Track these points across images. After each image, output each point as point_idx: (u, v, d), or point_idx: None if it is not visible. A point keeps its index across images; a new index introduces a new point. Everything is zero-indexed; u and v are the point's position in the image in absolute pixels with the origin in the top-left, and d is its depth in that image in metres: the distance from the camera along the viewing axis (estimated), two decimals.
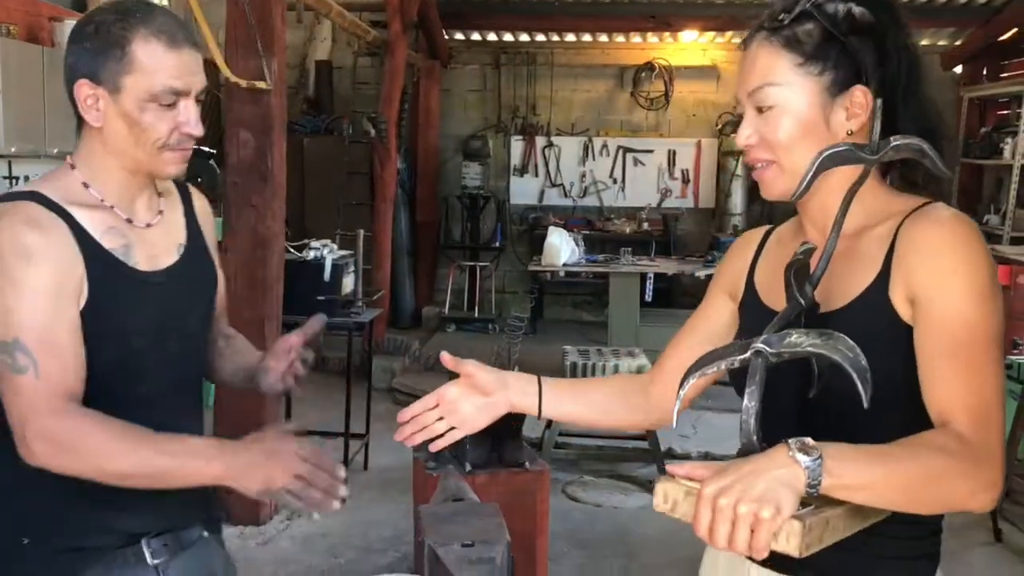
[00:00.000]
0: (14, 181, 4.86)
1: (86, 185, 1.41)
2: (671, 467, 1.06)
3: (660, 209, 8.65)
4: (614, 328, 6.10)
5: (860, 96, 1.19)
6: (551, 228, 6.32)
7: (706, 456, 5.07)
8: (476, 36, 8.71)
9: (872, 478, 0.99)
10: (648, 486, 4.75)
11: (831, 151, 1.12)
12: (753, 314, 1.32)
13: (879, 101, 1.17)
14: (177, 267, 1.51)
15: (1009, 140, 7.08)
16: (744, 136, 1.23)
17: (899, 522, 1.10)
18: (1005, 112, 7.83)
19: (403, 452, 4.95)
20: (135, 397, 1.35)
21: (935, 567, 1.25)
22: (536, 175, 8.83)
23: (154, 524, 1.47)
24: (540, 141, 8.79)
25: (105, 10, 1.39)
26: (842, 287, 1.19)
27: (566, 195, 8.82)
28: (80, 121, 1.42)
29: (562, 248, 6.03)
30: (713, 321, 1.42)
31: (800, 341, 1.06)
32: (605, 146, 8.73)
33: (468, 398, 1.43)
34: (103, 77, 1.36)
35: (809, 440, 0.98)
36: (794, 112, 1.19)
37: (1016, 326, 5.78)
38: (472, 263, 8.62)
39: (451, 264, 8.67)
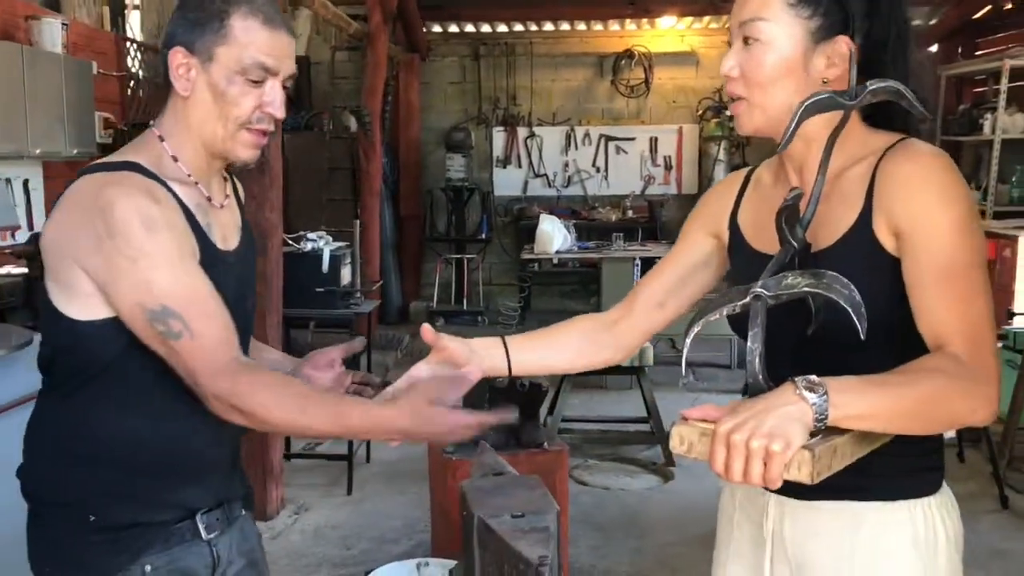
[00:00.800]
0: None
1: (175, 159, 1.41)
2: (685, 412, 1.11)
3: (644, 196, 8.68)
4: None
5: (843, 46, 1.23)
6: (542, 216, 6.31)
7: None
8: (454, 28, 8.68)
9: (876, 408, 1.05)
10: (652, 468, 4.77)
11: (813, 99, 1.15)
12: (743, 258, 1.37)
13: (854, 46, 1.20)
14: (241, 248, 1.53)
15: (988, 116, 7.16)
16: (727, 66, 1.27)
17: (903, 442, 1.16)
18: (982, 89, 7.92)
19: (404, 445, 5.00)
20: None
21: (941, 477, 1.32)
22: (519, 166, 8.82)
23: (208, 498, 1.48)
24: (522, 132, 8.79)
25: None
26: (828, 226, 1.23)
27: (550, 185, 8.82)
28: (168, 91, 1.42)
29: (555, 235, 6.02)
30: (688, 256, 1.46)
31: (796, 282, 1.12)
32: (587, 135, 8.75)
33: (439, 373, 1.45)
34: (198, 47, 1.37)
35: (814, 377, 1.03)
36: (778, 50, 1.23)
37: (1005, 296, 5.86)
38: (458, 256, 8.59)
39: (437, 257, 8.64)
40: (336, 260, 4.44)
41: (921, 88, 1.23)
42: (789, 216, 1.20)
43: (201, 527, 1.46)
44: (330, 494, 4.40)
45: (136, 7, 8.40)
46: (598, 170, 8.78)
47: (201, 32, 1.37)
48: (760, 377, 1.13)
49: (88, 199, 1.31)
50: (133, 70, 7.20)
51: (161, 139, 1.42)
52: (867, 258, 1.20)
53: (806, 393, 1.02)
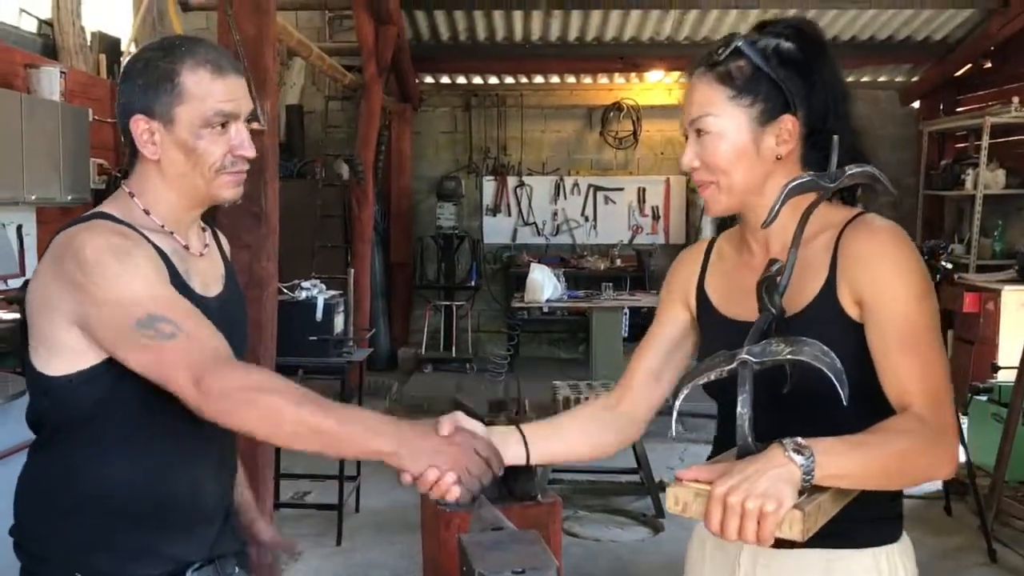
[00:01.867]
0: None
1: (147, 212, 1.46)
2: (680, 473, 1.18)
3: (632, 245, 8.76)
4: (598, 362, 6.13)
5: (789, 124, 1.33)
6: (532, 265, 6.36)
7: None
8: (446, 79, 8.80)
9: (854, 467, 1.15)
10: (643, 519, 4.76)
11: (796, 183, 1.24)
12: (713, 324, 1.45)
13: (836, 137, 1.27)
14: (224, 295, 1.56)
15: (970, 171, 7.31)
16: (687, 159, 1.37)
17: (871, 492, 1.24)
18: (963, 144, 8.09)
19: (393, 494, 5.01)
20: (186, 418, 1.33)
21: (901, 524, 1.41)
22: (509, 214, 8.89)
23: (199, 552, 1.47)
24: (512, 181, 8.87)
25: (151, 48, 1.47)
26: (795, 294, 1.31)
27: (539, 233, 8.89)
28: (134, 154, 1.46)
29: (545, 284, 6.07)
30: (670, 329, 1.53)
31: (779, 349, 1.20)
32: (576, 185, 8.84)
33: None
34: (157, 110, 1.41)
35: (801, 440, 1.11)
36: (729, 139, 1.33)
37: (989, 350, 5.94)
38: (448, 303, 8.61)
39: (426, 304, 8.66)
40: (330, 308, 4.46)
41: (866, 142, 1.37)
42: (769, 285, 1.28)
43: None
44: (320, 544, 4.37)
45: (131, 54, 8.47)
46: (587, 219, 8.86)
47: (155, 95, 1.40)
48: (750, 439, 1.19)
49: (60, 250, 1.35)
50: None
51: (131, 195, 1.46)
52: (832, 323, 1.30)
53: (794, 455, 1.10)
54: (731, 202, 1.37)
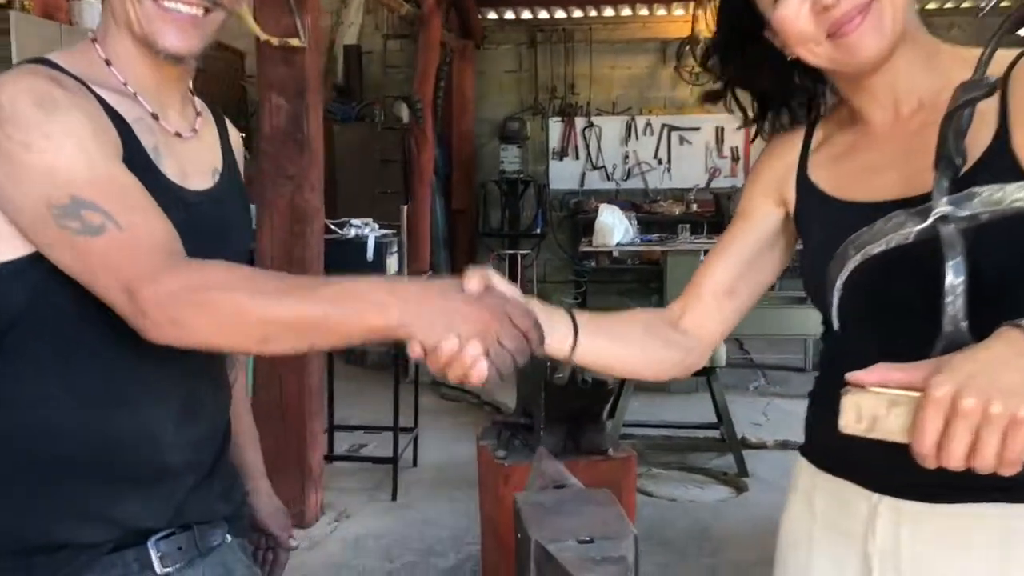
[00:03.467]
0: None
1: (108, 63, 1.13)
2: (856, 375, 0.84)
3: (709, 189, 8.26)
4: None
5: None
6: (602, 207, 5.93)
7: (784, 445, 4.70)
8: (510, 15, 8.36)
9: None
10: (723, 478, 4.36)
11: (1018, 13, 0.97)
12: (832, 216, 1.14)
13: None
14: (213, 193, 1.22)
15: None
16: None
17: None
18: None
19: (454, 447, 4.69)
20: (136, 341, 0.98)
21: None
22: (576, 158, 8.48)
23: (168, 517, 1.14)
24: (580, 122, 8.45)
25: None
26: None
27: (608, 178, 8.45)
28: None
29: (615, 227, 5.64)
30: (755, 232, 1.23)
31: (1000, 198, 0.87)
32: (649, 125, 8.38)
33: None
34: None
35: None
36: None
37: None
38: (512, 251, 8.26)
39: (490, 253, 8.32)
40: (381, 247, 4.12)
41: None
42: (956, 124, 0.93)
43: (154, 556, 1.11)
44: (374, 499, 4.10)
45: None
46: (660, 162, 8.39)
47: None
48: (963, 325, 0.87)
49: None
50: None
51: (94, 41, 1.14)
52: (1010, 182, 0.97)
53: None
54: (896, 26, 1.03)
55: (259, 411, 3.71)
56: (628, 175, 8.43)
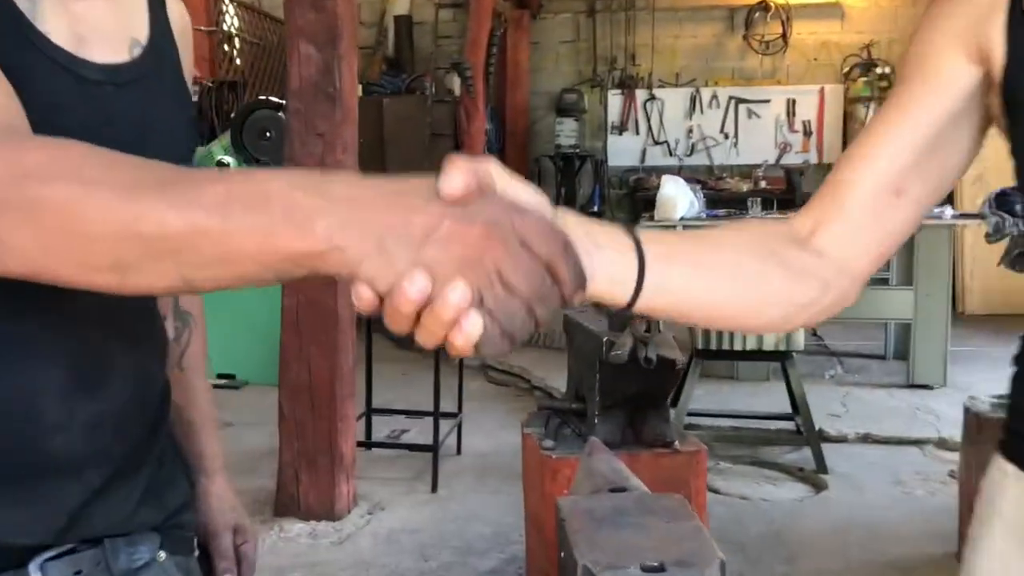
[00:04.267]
0: None
1: None
2: None
3: (779, 165, 7.82)
4: None
5: None
6: (665, 178, 5.52)
7: (866, 439, 4.25)
8: None
9: None
10: (800, 474, 3.93)
11: None
12: None
13: None
14: (129, 72, 0.88)
15: None
16: None
17: None
18: None
19: (500, 435, 4.30)
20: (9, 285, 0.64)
21: None
22: (637, 132, 8.16)
23: (57, 529, 0.81)
24: (641, 95, 8.12)
25: None
26: None
27: (671, 154, 8.09)
28: None
29: (679, 200, 5.21)
30: (939, 99, 0.82)
31: None
32: (715, 97, 8.01)
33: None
34: None
35: None
36: None
37: None
38: None
39: None
40: None
41: None
42: None
43: None
44: (412, 490, 3.77)
45: None
46: (726, 136, 8.00)
47: None
48: None
49: None
50: (226, 28, 6.87)
51: None
52: None
53: None
54: None
55: (286, 393, 3.46)
56: (692, 150, 8.04)
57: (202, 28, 6.26)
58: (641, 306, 0.71)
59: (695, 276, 0.75)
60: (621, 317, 2.23)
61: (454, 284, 0.54)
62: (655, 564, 0.98)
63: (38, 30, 0.78)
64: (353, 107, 3.40)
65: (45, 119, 0.75)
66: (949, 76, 0.82)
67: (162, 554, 0.89)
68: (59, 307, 0.76)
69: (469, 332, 0.55)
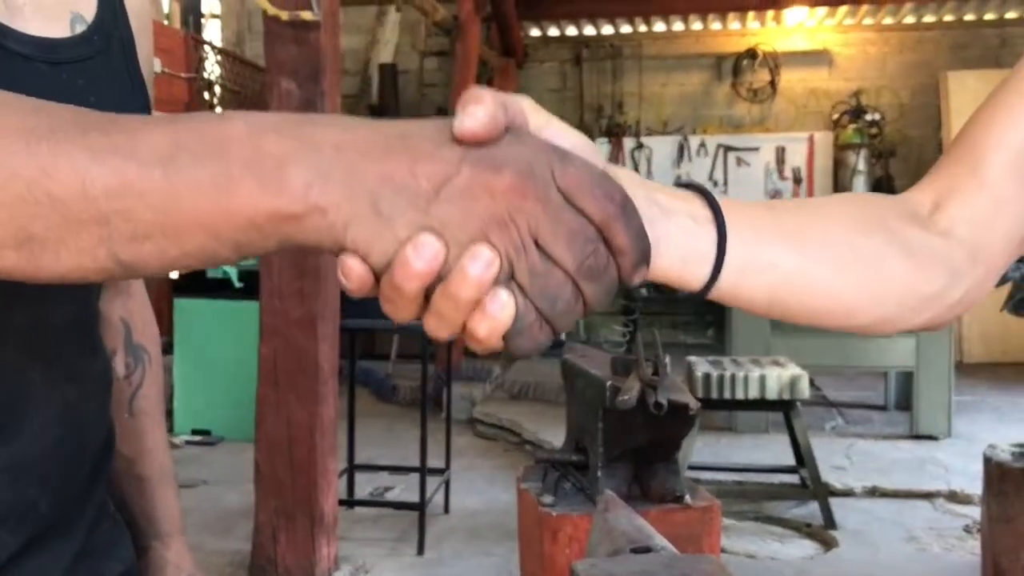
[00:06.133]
0: None
1: None
2: None
3: None
4: (738, 339, 5.09)
5: None
6: None
7: (873, 492, 4.06)
8: (554, 31, 8.00)
9: None
10: (807, 530, 3.73)
11: None
12: None
13: None
14: (68, 49, 0.72)
15: None
16: None
17: None
18: None
19: (491, 492, 4.07)
20: None
21: None
22: None
23: None
24: (628, 143, 8.06)
25: None
26: None
27: None
28: None
29: None
30: None
31: None
32: (703, 145, 7.93)
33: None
34: None
35: None
36: None
37: None
38: None
39: None
40: None
41: None
42: None
43: None
44: (397, 552, 3.54)
45: (215, 16, 8.02)
46: (716, 184, 7.91)
47: None
48: None
49: None
50: (207, 75, 6.77)
51: None
52: None
53: None
54: None
55: (263, 448, 3.25)
56: None
57: (183, 75, 6.17)
58: (722, 290, 0.55)
59: (792, 253, 0.57)
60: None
61: (475, 251, 0.40)
62: None
63: None
64: None
65: None
66: None
67: None
68: None
69: (496, 316, 0.40)
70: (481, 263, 0.40)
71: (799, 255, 0.57)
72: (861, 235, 0.60)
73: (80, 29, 0.73)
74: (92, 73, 0.73)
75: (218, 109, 6.85)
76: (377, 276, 0.42)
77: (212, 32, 8.00)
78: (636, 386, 2.04)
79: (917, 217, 0.63)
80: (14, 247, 0.43)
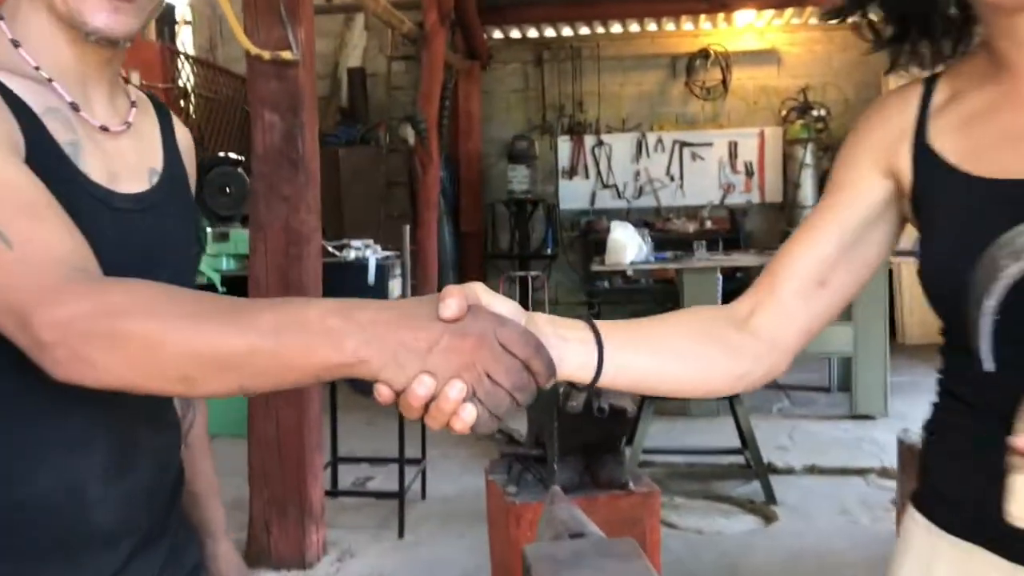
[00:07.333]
0: None
1: (16, 44, 0.95)
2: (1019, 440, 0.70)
3: (724, 205, 8.07)
4: None
5: None
6: (614, 223, 5.73)
7: (812, 470, 4.45)
8: (515, 33, 8.24)
9: None
10: (751, 507, 4.10)
11: None
12: (957, 192, 0.93)
13: None
14: (149, 198, 1.02)
15: None
16: None
17: None
18: None
19: (464, 478, 4.43)
20: (41, 380, 0.79)
21: None
22: (586, 176, 8.33)
23: None
24: (589, 140, 8.31)
25: None
26: None
27: (620, 196, 8.28)
28: None
29: (628, 244, 5.42)
30: (856, 208, 0.99)
31: None
32: (660, 141, 8.22)
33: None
34: None
35: None
36: None
37: None
38: (522, 273, 8.05)
39: (500, 275, 8.12)
40: (383, 270, 3.93)
41: None
42: None
43: None
44: (379, 537, 3.86)
45: (188, 23, 8.16)
46: (672, 179, 8.21)
47: None
48: None
49: None
50: (182, 85, 6.95)
51: (1, 20, 0.96)
52: None
53: None
54: None
55: (255, 445, 3.56)
56: (640, 193, 8.25)
57: (160, 85, 6.36)
58: (603, 382, 0.89)
59: (648, 357, 0.92)
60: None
61: (453, 384, 0.71)
62: None
63: (80, 170, 0.93)
64: (315, 170, 3.55)
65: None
66: (865, 188, 0.99)
67: None
68: (99, 405, 0.91)
69: (465, 420, 0.72)
70: (456, 391, 0.72)
71: (653, 358, 0.93)
72: (695, 340, 0.96)
73: (155, 180, 1.04)
74: (166, 212, 1.04)
75: (193, 116, 7.06)
76: (397, 395, 0.73)
77: (185, 37, 8.16)
78: (583, 394, 2.40)
79: (736, 322, 0.98)
80: (180, 382, 0.75)
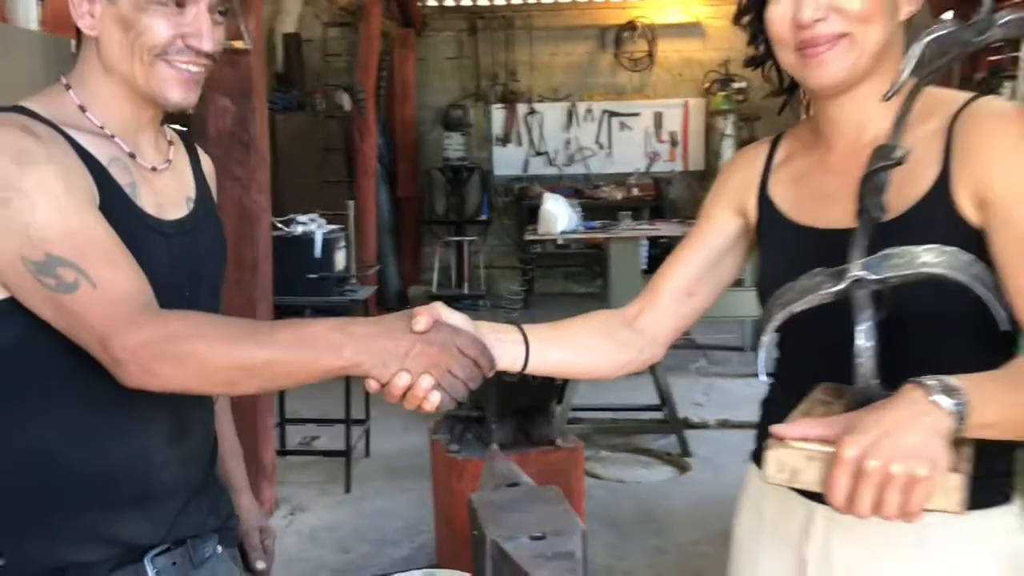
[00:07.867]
0: None
1: (83, 109, 1.19)
2: (780, 429, 0.94)
3: (649, 173, 8.41)
4: (615, 296, 5.82)
5: None
6: (546, 195, 6.01)
7: (724, 424, 4.88)
8: (450, 1, 8.37)
9: (1006, 414, 0.94)
10: (667, 458, 4.52)
11: (935, 35, 0.97)
12: (783, 235, 1.22)
13: None
14: (188, 221, 1.27)
15: (1007, 85, 6.87)
16: (811, 10, 1.07)
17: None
18: (998, 57, 7.62)
19: (406, 437, 4.76)
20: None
21: (1012, 483, 1.18)
22: (520, 144, 8.55)
23: (162, 534, 1.22)
24: (522, 108, 8.52)
25: None
26: (898, 192, 1.06)
27: (551, 163, 8.55)
28: (79, 36, 1.21)
29: (559, 215, 5.73)
30: (714, 238, 1.30)
31: (906, 261, 0.94)
32: (589, 111, 8.48)
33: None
34: None
35: (951, 379, 0.89)
36: None
37: None
38: (458, 238, 8.32)
39: (436, 240, 8.37)
40: (329, 244, 4.17)
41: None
42: (878, 180, 1.00)
43: (151, 571, 1.19)
44: (327, 492, 4.16)
45: None
46: (601, 147, 8.51)
47: None
48: (874, 381, 0.97)
49: None
50: None
51: (68, 87, 1.20)
52: (944, 228, 1.04)
53: (941, 399, 0.88)
54: (859, 65, 1.09)
55: None
56: (571, 160, 8.54)
57: None
58: (529, 371, 1.22)
59: (559, 352, 1.26)
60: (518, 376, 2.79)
61: (424, 378, 1.03)
62: (539, 534, 1.46)
63: (137, 205, 1.19)
64: (265, 152, 3.77)
65: (144, 270, 1.15)
66: (723, 222, 1.29)
67: (219, 548, 1.31)
68: (158, 393, 1.19)
69: (433, 402, 1.04)
70: (426, 383, 1.03)
71: (564, 352, 1.26)
72: (595, 338, 1.29)
73: (191, 206, 1.30)
74: (202, 232, 1.30)
75: None
76: (383, 386, 1.04)
77: None
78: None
79: (626, 322, 1.31)
80: (224, 386, 1.06)
